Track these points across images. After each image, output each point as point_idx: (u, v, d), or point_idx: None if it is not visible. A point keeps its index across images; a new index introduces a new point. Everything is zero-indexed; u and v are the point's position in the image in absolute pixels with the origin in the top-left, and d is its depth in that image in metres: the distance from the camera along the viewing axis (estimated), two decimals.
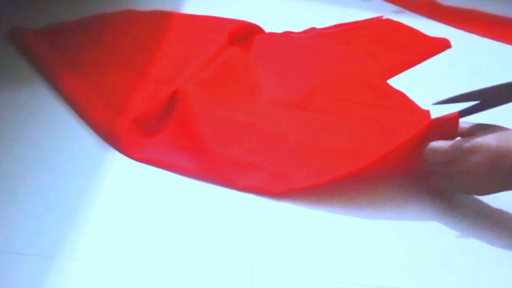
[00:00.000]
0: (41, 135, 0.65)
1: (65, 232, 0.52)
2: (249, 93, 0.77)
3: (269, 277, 0.50)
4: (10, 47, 0.84)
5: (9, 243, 0.50)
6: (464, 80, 0.89)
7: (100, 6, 1.00)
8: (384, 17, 1.12)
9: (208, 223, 0.55)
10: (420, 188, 0.63)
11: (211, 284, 0.48)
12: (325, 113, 0.74)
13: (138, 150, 0.64)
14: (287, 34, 0.97)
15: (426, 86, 0.85)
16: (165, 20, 0.96)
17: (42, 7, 0.98)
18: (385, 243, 0.56)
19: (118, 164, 0.62)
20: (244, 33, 0.91)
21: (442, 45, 1.02)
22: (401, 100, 0.80)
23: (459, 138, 0.59)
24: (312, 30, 1.01)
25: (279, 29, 0.98)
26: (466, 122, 0.60)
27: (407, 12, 1.19)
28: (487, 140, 0.55)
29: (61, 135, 0.65)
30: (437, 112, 0.62)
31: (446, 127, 0.59)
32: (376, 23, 1.10)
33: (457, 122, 0.59)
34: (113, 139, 0.65)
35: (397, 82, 0.86)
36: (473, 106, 0.60)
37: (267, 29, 0.96)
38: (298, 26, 1.01)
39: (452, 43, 1.03)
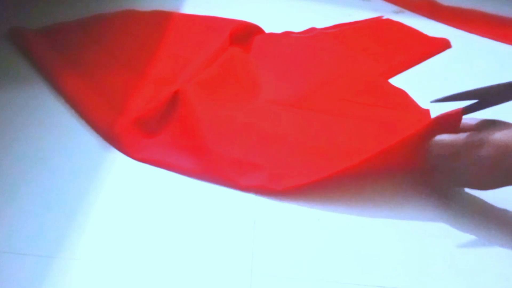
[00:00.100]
0: (41, 135, 0.65)
1: (65, 232, 0.52)
2: (249, 93, 0.77)
3: (269, 277, 0.50)
4: (10, 47, 0.84)
5: (9, 243, 0.50)
6: (464, 80, 0.89)
7: (100, 6, 1.00)
8: (384, 17, 1.12)
9: (208, 223, 0.55)
10: (420, 187, 0.63)
11: (211, 284, 0.48)
12: (325, 113, 0.74)
13: (139, 150, 0.64)
14: (287, 34, 0.97)
15: (426, 86, 0.85)
16: (165, 20, 0.96)
17: (42, 7, 0.98)
18: (385, 242, 0.55)
19: (118, 164, 0.62)
20: (244, 33, 0.91)
21: (442, 45, 1.02)
22: (401, 100, 0.80)
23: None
24: (312, 30, 1.01)
25: (279, 29, 0.98)
26: (471, 118, 0.60)
27: (407, 12, 1.19)
28: (493, 135, 0.55)
29: (61, 135, 0.65)
30: (436, 111, 0.62)
31: (450, 123, 0.59)
32: (376, 23, 1.10)
33: (460, 118, 0.59)
34: (114, 139, 0.65)
35: (397, 82, 0.86)
36: (472, 104, 0.60)
37: (267, 29, 0.96)
38: (298, 26, 1.01)
39: (452, 43, 1.03)
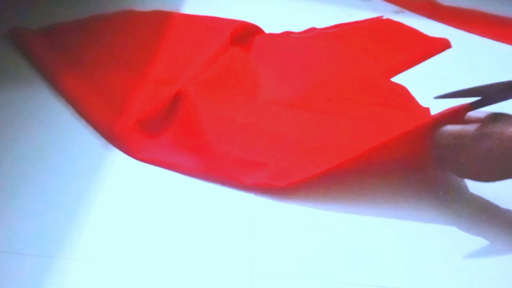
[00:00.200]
0: (41, 135, 0.65)
1: (65, 232, 0.52)
2: (250, 93, 0.77)
3: (269, 277, 0.50)
4: (10, 47, 0.84)
5: (9, 243, 0.50)
6: (464, 80, 0.89)
7: (100, 6, 1.00)
8: (384, 17, 1.13)
9: (209, 223, 0.55)
10: (420, 187, 0.63)
11: (211, 284, 0.48)
12: (326, 112, 0.74)
13: (141, 150, 0.64)
14: (287, 34, 0.97)
15: (426, 86, 0.84)
16: (165, 20, 0.96)
17: (42, 8, 0.98)
18: (385, 242, 0.55)
19: (118, 164, 0.62)
20: (244, 34, 0.92)
21: (442, 45, 1.02)
22: (402, 98, 0.80)
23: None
24: (312, 30, 1.01)
25: (279, 29, 0.98)
26: (477, 110, 0.60)
27: (407, 12, 1.19)
28: (499, 128, 0.55)
29: (61, 135, 0.65)
30: (436, 109, 0.62)
31: (455, 117, 0.60)
32: (376, 23, 1.10)
33: (465, 113, 0.60)
34: (116, 139, 0.65)
35: (397, 82, 0.86)
36: (476, 101, 0.60)
37: (267, 29, 0.96)
38: (298, 26, 1.01)
39: (452, 43, 1.03)
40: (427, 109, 0.75)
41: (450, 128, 0.58)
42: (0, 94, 0.71)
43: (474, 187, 0.64)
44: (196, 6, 1.05)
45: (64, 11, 0.97)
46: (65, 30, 0.89)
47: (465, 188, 0.64)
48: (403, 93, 0.81)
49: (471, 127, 0.57)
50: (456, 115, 0.60)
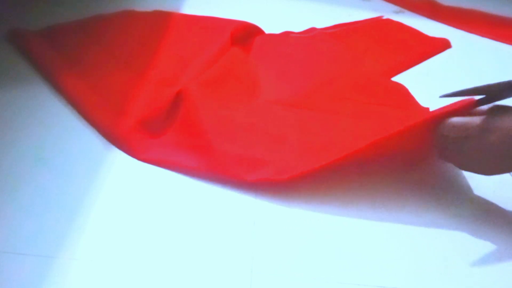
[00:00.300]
0: (41, 135, 0.65)
1: (65, 232, 0.52)
2: (250, 93, 0.77)
3: (269, 277, 0.50)
4: (10, 47, 0.84)
5: (9, 243, 0.50)
6: (464, 80, 0.89)
7: (100, 6, 1.00)
8: (384, 17, 1.13)
9: (209, 223, 0.55)
10: (420, 188, 0.63)
11: (211, 284, 0.48)
12: (326, 112, 0.74)
13: (144, 150, 0.64)
14: (287, 34, 0.97)
15: (426, 86, 0.85)
16: (165, 20, 0.96)
17: (42, 8, 0.98)
18: (385, 243, 0.55)
19: (118, 164, 0.62)
20: (245, 34, 0.92)
21: (442, 45, 1.02)
22: (402, 98, 0.80)
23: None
24: (312, 30, 1.01)
25: (279, 29, 0.98)
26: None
27: (407, 12, 1.19)
28: (505, 121, 0.55)
29: (61, 135, 0.65)
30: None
31: (462, 112, 0.60)
32: (376, 23, 1.10)
33: (472, 108, 0.60)
34: (118, 140, 0.65)
35: (397, 82, 0.86)
36: (482, 98, 0.61)
37: (267, 29, 0.96)
38: (298, 26, 1.01)
39: (452, 43, 1.03)
40: (427, 109, 0.75)
41: (455, 120, 0.58)
42: (0, 94, 0.71)
43: (474, 187, 0.64)
44: (196, 6, 1.05)
45: (64, 11, 0.97)
46: (65, 30, 0.89)
47: (465, 188, 0.64)
48: (403, 92, 0.81)
49: (476, 120, 0.57)
50: (462, 110, 0.60)
